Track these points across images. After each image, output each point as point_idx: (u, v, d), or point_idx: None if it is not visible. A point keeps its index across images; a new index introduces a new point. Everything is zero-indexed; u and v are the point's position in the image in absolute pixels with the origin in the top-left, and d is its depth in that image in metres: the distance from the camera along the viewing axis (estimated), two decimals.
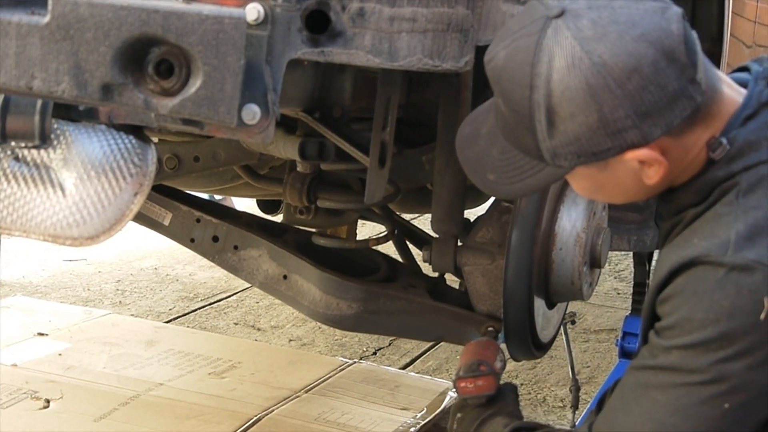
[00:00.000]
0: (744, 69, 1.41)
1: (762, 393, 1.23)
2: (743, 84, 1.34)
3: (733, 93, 1.31)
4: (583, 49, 1.20)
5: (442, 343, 3.37)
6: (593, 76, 1.20)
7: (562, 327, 2.35)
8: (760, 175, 1.26)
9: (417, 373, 3.08)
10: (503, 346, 1.92)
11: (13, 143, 1.25)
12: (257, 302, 4.01)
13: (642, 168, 1.27)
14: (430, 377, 2.90)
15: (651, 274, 2.84)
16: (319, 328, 3.70)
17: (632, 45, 1.19)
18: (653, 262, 3.01)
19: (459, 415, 1.67)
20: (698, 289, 1.24)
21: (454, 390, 1.68)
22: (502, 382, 1.70)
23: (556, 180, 1.33)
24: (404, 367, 3.34)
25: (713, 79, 1.28)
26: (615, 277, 4.66)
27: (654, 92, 1.20)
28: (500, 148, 1.35)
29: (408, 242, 2.41)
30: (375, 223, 2.70)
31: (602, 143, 1.23)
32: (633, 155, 1.24)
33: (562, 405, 3.28)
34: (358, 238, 3.37)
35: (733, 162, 1.28)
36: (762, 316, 1.20)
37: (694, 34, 1.26)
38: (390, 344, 3.60)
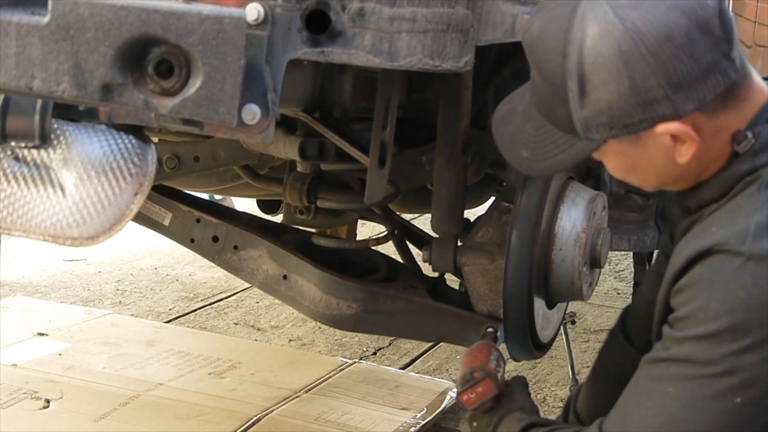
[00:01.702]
0: None
1: None
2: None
3: (760, 83, 1.30)
4: (617, 15, 1.20)
5: (442, 343, 3.36)
6: (626, 43, 1.19)
7: (562, 327, 2.35)
8: None
9: (417, 373, 3.08)
10: (503, 346, 1.92)
11: (13, 143, 1.25)
12: (257, 302, 4.01)
13: (674, 145, 1.26)
14: (430, 377, 2.90)
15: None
16: (319, 328, 3.70)
17: (666, 13, 1.19)
18: (653, 263, 3.00)
19: (474, 424, 1.66)
20: (715, 279, 1.22)
21: (463, 407, 1.67)
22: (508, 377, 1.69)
23: (588, 154, 1.31)
24: (404, 367, 3.34)
25: (746, 63, 1.27)
26: (615, 277, 4.66)
27: (687, 62, 1.20)
28: (534, 124, 1.35)
29: (408, 242, 2.41)
30: (375, 223, 2.70)
31: (634, 114, 1.22)
32: (665, 128, 1.23)
33: (562, 405, 3.28)
34: (358, 238, 3.37)
35: (757, 156, 1.27)
36: None
37: (731, 14, 1.25)
38: (390, 344, 3.60)
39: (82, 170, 1.27)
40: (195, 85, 1.16)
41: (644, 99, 1.21)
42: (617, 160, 1.34)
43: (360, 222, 2.92)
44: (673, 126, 1.23)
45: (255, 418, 2.34)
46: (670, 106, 1.22)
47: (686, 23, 1.19)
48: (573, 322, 3.42)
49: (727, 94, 1.24)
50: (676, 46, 1.19)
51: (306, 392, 2.55)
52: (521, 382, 1.69)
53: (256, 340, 3.58)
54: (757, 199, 1.24)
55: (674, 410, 1.25)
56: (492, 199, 2.19)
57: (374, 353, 3.51)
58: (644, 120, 1.23)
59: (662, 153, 1.28)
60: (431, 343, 3.46)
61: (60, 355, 2.69)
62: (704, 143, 1.27)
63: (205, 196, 2.69)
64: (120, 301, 4.00)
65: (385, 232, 2.31)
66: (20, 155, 1.28)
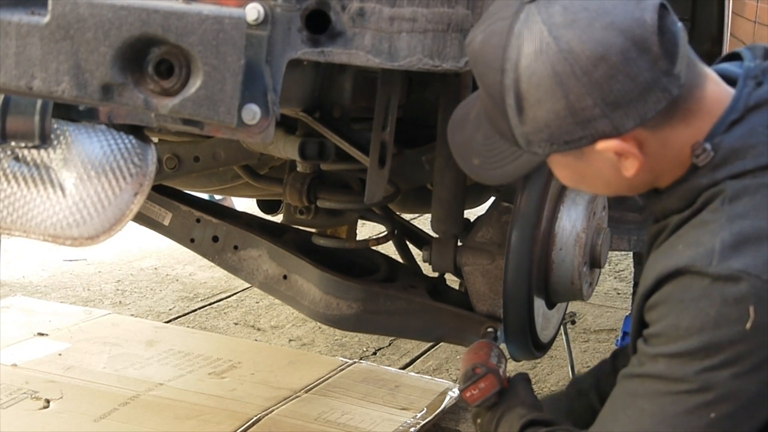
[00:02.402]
0: (735, 56, 1.39)
1: (749, 403, 1.22)
2: (732, 80, 1.31)
3: (719, 92, 1.28)
4: (552, 34, 1.19)
5: (442, 343, 3.36)
6: (560, 63, 1.18)
7: (562, 327, 2.35)
8: (745, 184, 1.24)
9: (417, 373, 3.08)
10: (503, 346, 1.92)
11: (13, 143, 1.25)
12: (257, 302, 4.01)
13: (619, 159, 1.25)
14: (430, 377, 2.90)
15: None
16: (319, 328, 3.70)
17: (601, 33, 1.17)
18: None
19: (478, 420, 1.66)
20: (684, 297, 1.23)
21: (465, 404, 1.67)
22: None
23: (534, 167, 1.32)
24: (404, 367, 3.34)
25: (696, 75, 1.25)
26: (615, 277, 4.66)
27: (623, 82, 1.18)
28: (484, 133, 1.35)
29: (408, 242, 2.41)
30: (375, 223, 2.70)
31: (573, 131, 1.22)
32: (605, 146, 1.23)
33: None
34: (358, 238, 3.37)
35: (717, 170, 1.26)
36: (748, 325, 1.19)
37: (677, 27, 1.23)
38: (390, 344, 3.60)
39: (82, 170, 1.27)
40: (195, 85, 1.16)
41: (581, 118, 1.21)
42: (565, 171, 1.34)
43: (360, 222, 2.92)
44: (612, 144, 1.23)
45: (255, 418, 2.34)
46: (608, 124, 1.21)
47: (622, 42, 1.17)
48: (573, 322, 3.42)
49: (672, 109, 1.23)
50: (611, 66, 1.18)
51: (306, 392, 2.55)
52: (523, 378, 1.69)
53: (256, 340, 3.58)
54: (722, 215, 1.23)
55: (649, 427, 1.26)
56: (492, 199, 2.18)
57: (374, 353, 3.51)
58: (584, 137, 1.22)
59: (607, 167, 1.27)
60: (431, 343, 3.46)
61: (60, 355, 2.69)
62: (650, 157, 1.26)
63: (205, 196, 2.69)
64: (120, 301, 4.00)
65: (385, 232, 2.31)
66: (20, 155, 1.28)
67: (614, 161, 1.26)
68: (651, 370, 1.26)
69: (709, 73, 1.29)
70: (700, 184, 1.28)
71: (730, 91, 1.29)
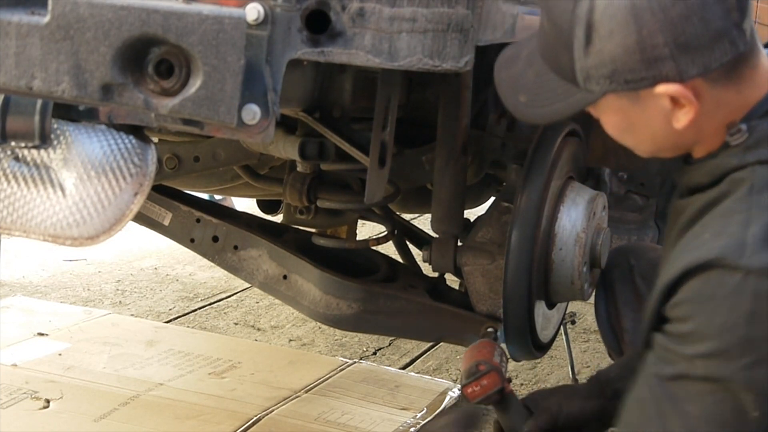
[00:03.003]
0: None
1: None
2: None
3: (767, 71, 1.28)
4: None
5: (442, 343, 3.36)
6: None
7: (562, 327, 2.35)
8: None
9: (417, 373, 3.08)
10: (503, 346, 1.92)
11: (13, 143, 1.25)
12: (257, 302, 4.01)
13: (673, 108, 1.24)
14: (430, 377, 2.90)
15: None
16: (319, 328, 3.69)
17: None
18: None
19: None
20: (716, 293, 1.20)
21: (467, 401, 1.68)
22: (513, 388, 1.70)
23: (586, 106, 1.30)
24: (404, 367, 3.34)
25: (757, 41, 1.25)
26: None
27: (697, 25, 1.18)
28: (536, 70, 1.33)
29: (408, 242, 2.41)
30: (375, 223, 2.70)
31: (637, 70, 1.21)
32: (665, 89, 1.22)
33: None
34: (358, 238, 3.37)
35: (748, 151, 1.25)
36: None
37: None
38: (390, 344, 3.60)
39: (82, 170, 1.27)
40: (195, 85, 1.16)
41: (649, 56, 1.20)
42: (614, 117, 1.32)
43: (360, 222, 2.92)
44: (673, 88, 1.22)
45: (255, 418, 2.34)
46: (674, 67, 1.20)
47: None
48: (573, 322, 3.41)
49: (733, 67, 1.22)
50: (688, 7, 1.18)
51: (306, 392, 2.55)
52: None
53: (256, 340, 3.58)
54: (750, 205, 1.22)
55: (698, 428, 1.24)
56: (492, 199, 2.19)
57: (374, 353, 3.51)
58: (646, 78, 1.22)
59: (660, 115, 1.26)
60: (431, 343, 3.46)
61: (60, 355, 2.69)
62: (703, 113, 1.25)
63: (205, 196, 2.69)
64: (120, 301, 4.00)
65: (385, 232, 2.31)
66: (20, 155, 1.28)
67: (668, 110, 1.25)
68: (689, 371, 1.23)
69: (761, 49, 1.28)
70: (730, 163, 1.27)
71: None
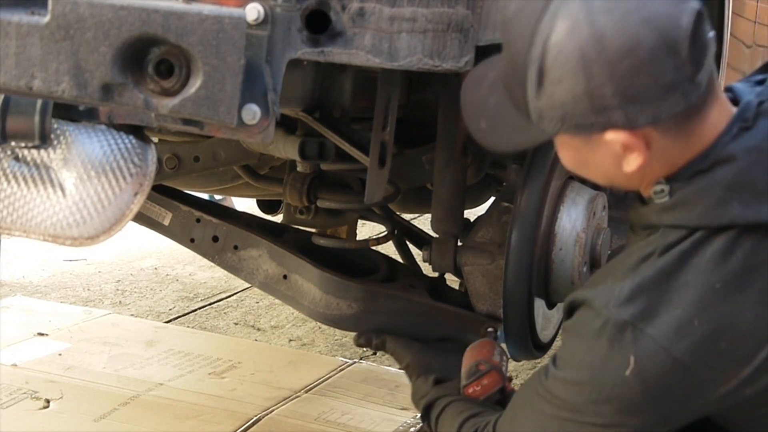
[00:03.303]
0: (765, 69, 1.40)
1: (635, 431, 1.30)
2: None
3: (717, 122, 1.28)
4: (588, 17, 1.19)
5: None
6: (589, 47, 1.18)
7: (561, 327, 2.35)
8: (677, 239, 1.26)
9: None
10: (503, 345, 1.92)
11: (13, 143, 1.26)
12: (257, 302, 4.01)
13: (623, 153, 1.26)
14: None
15: None
16: (319, 328, 3.69)
17: (635, 26, 1.17)
18: None
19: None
20: (581, 332, 1.31)
21: None
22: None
23: (540, 142, 1.33)
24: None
25: (710, 93, 1.25)
26: None
27: (646, 78, 1.18)
28: (498, 98, 1.35)
29: (408, 242, 2.41)
30: (375, 223, 2.70)
31: (586, 116, 1.22)
32: (614, 136, 1.23)
33: None
34: (358, 238, 3.37)
35: (665, 212, 1.28)
36: (627, 372, 1.25)
37: (708, 36, 1.23)
38: None
39: (82, 170, 1.27)
40: (195, 85, 1.16)
41: (597, 105, 1.21)
42: (569, 153, 1.34)
43: (360, 222, 2.92)
44: (621, 136, 1.23)
45: (255, 418, 2.34)
46: (622, 116, 1.21)
47: (653, 40, 1.17)
48: None
49: (685, 117, 1.23)
50: (638, 61, 1.18)
51: (306, 392, 2.55)
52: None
53: (256, 340, 3.58)
54: (643, 262, 1.28)
55: (549, 429, 1.36)
56: (492, 199, 2.18)
57: (374, 353, 3.50)
58: (596, 123, 1.23)
59: (611, 157, 1.28)
60: None
61: (60, 355, 2.69)
62: (651, 159, 1.27)
63: (205, 196, 2.68)
64: (120, 301, 4.00)
65: (385, 232, 2.31)
66: (20, 155, 1.28)
67: (618, 154, 1.26)
68: (552, 389, 1.35)
69: (720, 97, 1.29)
70: (649, 218, 1.31)
71: (718, 130, 1.28)
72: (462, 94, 1.44)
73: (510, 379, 1.68)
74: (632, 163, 1.26)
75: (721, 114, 1.28)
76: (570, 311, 1.36)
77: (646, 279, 1.26)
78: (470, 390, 1.64)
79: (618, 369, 1.26)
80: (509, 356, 1.88)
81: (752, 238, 1.24)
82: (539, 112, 1.26)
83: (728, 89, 1.35)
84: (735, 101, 1.32)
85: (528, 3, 1.25)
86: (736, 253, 1.24)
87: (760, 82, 1.38)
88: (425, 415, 1.71)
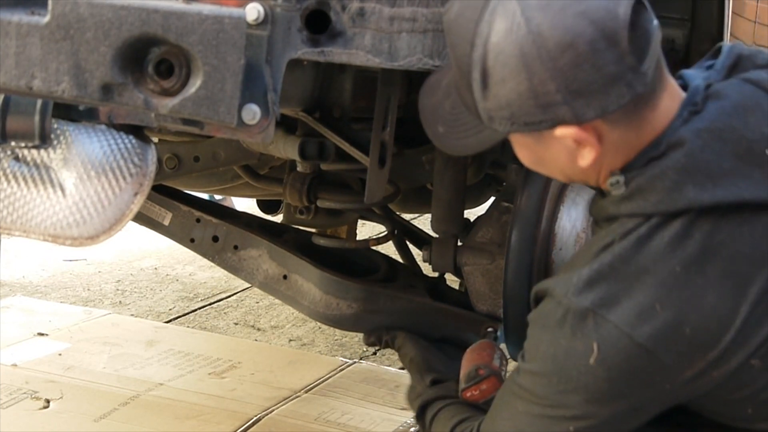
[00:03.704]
0: (718, 53, 1.39)
1: (607, 422, 1.29)
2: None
3: (668, 109, 1.28)
4: (524, 15, 1.19)
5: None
6: (527, 45, 1.19)
7: None
8: (633, 226, 1.26)
9: None
10: (503, 346, 1.92)
11: (13, 143, 1.25)
12: (257, 302, 4.01)
13: (576, 148, 1.26)
14: None
15: None
16: (319, 328, 3.70)
17: (572, 20, 1.17)
18: None
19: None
20: (545, 323, 1.31)
21: None
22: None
23: (495, 143, 1.32)
24: (404, 367, 3.33)
25: (659, 81, 1.25)
26: None
27: (588, 72, 1.18)
28: (452, 102, 1.35)
29: (408, 242, 2.41)
30: (375, 223, 2.70)
31: (534, 114, 1.22)
32: (563, 132, 1.23)
33: None
34: (358, 238, 3.37)
35: (623, 203, 1.28)
36: (591, 360, 1.24)
37: (652, 25, 1.23)
38: None
39: (82, 170, 1.27)
40: (195, 85, 1.16)
41: (543, 102, 1.21)
42: (525, 152, 1.34)
43: (360, 222, 2.92)
44: (571, 131, 1.23)
45: (255, 418, 2.34)
46: (569, 111, 1.21)
47: (591, 32, 1.17)
48: None
49: (633, 108, 1.23)
50: (578, 55, 1.18)
51: (306, 392, 2.55)
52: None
53: (256, 340, 3.58)
54: (600, 251, 1.27)
55: (524, 427, 1.36)
56: (492, 199, 2.18)
57: (374, 353, 3.51)
58: (544, 120, 1.23)
59: (564, 153, 1.28)
60: None
61: (60, 355, 2.69)
62: (605, 152, 1.27)
63: (205, 196, 2.68)
64: (120, 301, 4.00)
65: (385, 232, 2.31)
66: (20, 155, 1.28)
67: (572, 149, 1.26)
68: (522, 383, 1.35)
69: (670, 83, 1.29)
70: (606, 210, 1.31)
71: (670, 117, 1.28)
72: (420, 101, 1.44)
73: None
74: (586, 157, 1.27)
75: (672, 101, 1.28)
76: (535, 303, 1.36)
77: (603, 265, 1.25)
78: (468, 394, 1.64)
79: (582, 357, 1.25)
80: (509, 357, 1.88)
81: (709, 221, 1.24)
82: (488, 114, 1.26)
83: (679, 76, 1.35)
84: (685, 87, 1.32)
85: (468, 4, 1.25)
86: (695, 236, 1.23)
87: (710, 67, 1.38)
88: (420, 416, 1.71)
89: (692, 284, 1.23)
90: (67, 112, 1.29)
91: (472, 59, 1.23)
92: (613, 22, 1.18)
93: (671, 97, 1.28)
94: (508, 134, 1.29)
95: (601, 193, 1.36)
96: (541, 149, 1.30)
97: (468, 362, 1.70)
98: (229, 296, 4.09)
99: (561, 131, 1.23)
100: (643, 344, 1.23)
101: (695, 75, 1.34)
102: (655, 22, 1.24)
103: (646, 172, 1.26)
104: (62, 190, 1.26)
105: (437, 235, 2.01)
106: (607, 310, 1.24)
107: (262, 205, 2.93)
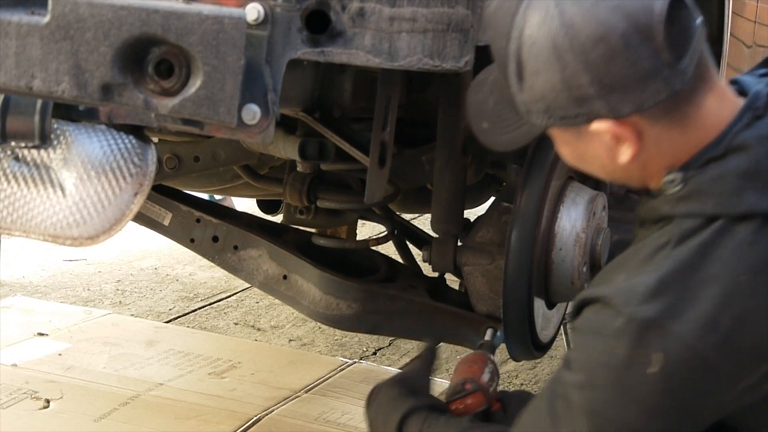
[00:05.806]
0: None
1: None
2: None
3: (720, 110, 1.26)
4: (558, 7, 1.19)
5: (442, 343, 3.36)
6: (560, 37, 1.18)
7: (562, 327, 2.35)
8: (694, 227, 1.23)
9: None
10: (503, 346, 1.92)
11: (13, 143, 1.26)
12: (257, 302, 4.01)
13: (615, 144, 1.25)
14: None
15: None
16: (319, 328, 3.70)
17: (605, 13, 1.17)
18: None
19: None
20: (599, 332, 1.25)
21: None
22: (514, 388, 1.68)
23: (535, 137, 1.32)
24: (404, 367, 3.33)
25: (702, 80, 1.23)
26: None
27: (622, 65, 1.17)
28: (496, 97, 1.35)
29: (408, 242, 2.41)
30: (375, 223, 2.70)
31: (569, 108, 1.22)
32: (600, 126, 1.22)
33: None
34: (358, 238, 3.37)
35: (680, 203, 1.25)
36: (652, 370, 1.21)
37: (693, 22, 1.21)
38: (390, 344, 3.60)
39: (82, 170, 1.27)
40: (195, 85, 1.16)
41: (577, 95, 1.20)
42: (565, 148, 1.34)
43: (360, 222, 2.92)
44: (606, 125, 1.22)
45: (255, 418, 2.34)
46: (604, 105, 1.20)
47: (624, 26, 1.16)
48: None
49: (673, 105, 1.22)
50: (611, 48, 1.17)
51: (306, 392, 2.55)
52: (523, 398, 1.66)
53: (256, 340, 3.58)
54: (659, 256, 1.24)
55: None
56: (492, 199, 2.18)
57: (374, 353, 3.51)
58: (580, 114, 1.22)
59: (604, 149, 1.27)
60: None
61: (60, 355, 2.69)
62: (645, 150, 1.25)
63: (205, 196, 2.68)
64: (120, 301, 4.00)
65: (385, 232, 2.31)
66: (20, 155, 1.28)
67: (610, 145, 1.25)
68: (569, 395, 1.28)
69: (717, 84, 1.27)
70: (662, 210, 1.28)
71: (732, 114, 1.26)
72: (467, 98, 1.44)
73: (499, 399, 1.65)
74: (625, 153, 1.25)
75: (722, 102, 1.26)
76: (580, 310, 1.31)
77: (668, 273, 1.22)
78: (453, 407, 1.61)
79: (642, 368, 1.21)
80: (508, 357, 1.88)
81: None
82: (525, 106, 1.26)
83: (734, 81, 1.34)
84: (741, 92, 1.30)
85: (505, 1, 1.26)
86: (762, 243, 1.21)
87: (764, 76, 1.37)
88: (399, 428, 1.60)
89: (757, 294, 1.21)
90: (67, 112, 1.29)
91: (509, 52, 1.24)
92: (648, 17, 1.17)
93: (719, 98, 1.26)
94: (546, 128, 1.28)
95: (648, 193, 1.34)
96: (582, 145, 1.29)
97: (457, 374, 1.69)
98: (229, 296, 4.10)
99: (597, 126, 1.22)
100: (706, 356, 1.20)
101: (753, 81, 1.33)
102: (699, 20, 1.23)
103: (705, 172, 1.24)
104: (62, 190, 1.26)
105: (437, 235, 2.01)
106: (672, 320, 1.20)
107: (262, 205, 2.93)
